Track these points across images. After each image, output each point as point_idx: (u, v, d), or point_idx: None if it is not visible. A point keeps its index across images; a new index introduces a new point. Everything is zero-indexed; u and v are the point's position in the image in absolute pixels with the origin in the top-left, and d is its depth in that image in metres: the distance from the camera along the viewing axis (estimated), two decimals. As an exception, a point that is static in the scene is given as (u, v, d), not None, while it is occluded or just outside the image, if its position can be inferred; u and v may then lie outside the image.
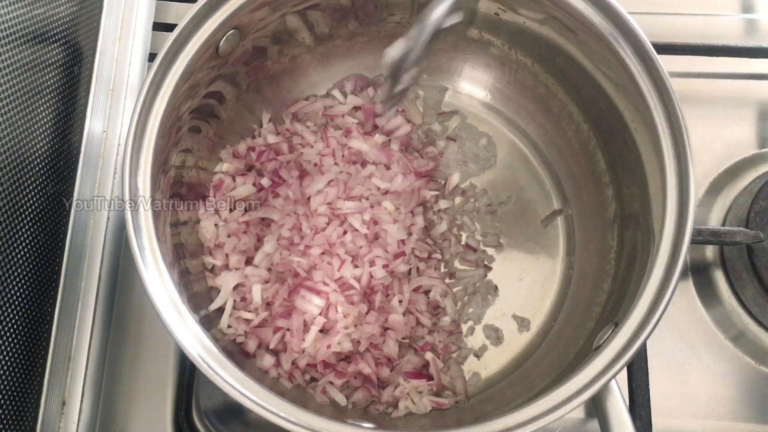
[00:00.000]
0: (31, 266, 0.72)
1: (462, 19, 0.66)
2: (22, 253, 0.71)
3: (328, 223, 0.82)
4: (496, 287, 0.86)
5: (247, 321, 0.78)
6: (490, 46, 0.87)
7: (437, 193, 0.89)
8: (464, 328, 0.84)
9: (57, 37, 0.77)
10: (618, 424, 0.60)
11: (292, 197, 0.83)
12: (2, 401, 0.67)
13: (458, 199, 0.89)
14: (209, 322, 0.76)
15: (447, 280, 0.85)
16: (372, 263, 0.80)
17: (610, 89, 0.74)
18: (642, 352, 0.77)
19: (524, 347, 0.84)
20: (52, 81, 0.76)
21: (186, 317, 0.61)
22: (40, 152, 0.74)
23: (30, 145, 0.72)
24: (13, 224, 0.69)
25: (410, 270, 0.84)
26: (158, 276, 0.61)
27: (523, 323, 0.84)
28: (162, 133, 0.66)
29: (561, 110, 0.87)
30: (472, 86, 0.93)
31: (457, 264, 0.87)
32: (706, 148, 0.91)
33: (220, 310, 0.78)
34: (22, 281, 0.71)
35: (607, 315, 0.71)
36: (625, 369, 0.74)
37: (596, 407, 0.61)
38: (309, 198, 0.83)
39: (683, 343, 0.84)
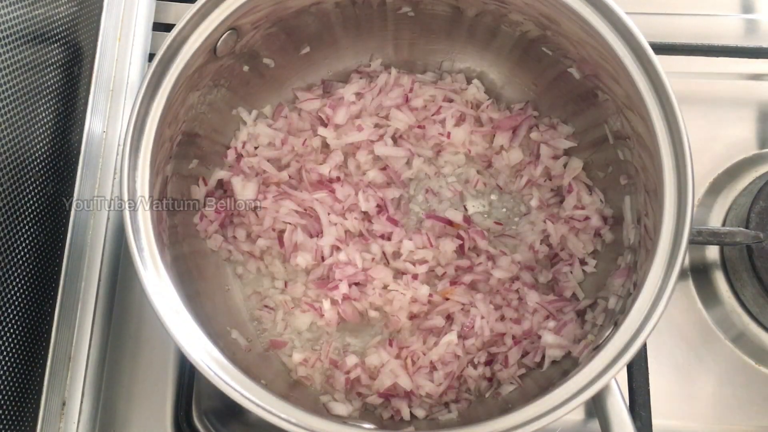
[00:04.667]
0: (31, 266, 0.72)
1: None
2: (22, 253, 0.71)
3: None
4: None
5: None
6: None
7: None
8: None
9: (57, 37, 0.77)
10: (618, 423, 0.60)
11: None
12: (2, 401, 0.67)
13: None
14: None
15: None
16: None
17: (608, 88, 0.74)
18: (642, 353, 0.77)
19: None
20: (52, 81, 0.76)
21: (186, 318, 0.61)
22: (40, 152, 0.74)
23: (30, 145, 0.72)
24: (13, 224, 0.69)
25: None
26: (157, 277, 0.61)
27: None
28: (160, 133, 0.65)
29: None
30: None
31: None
32: (706, 148, 0.91)
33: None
34: (22, 281, 0.71)
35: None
36: (625, 369, 0.74)
37: (596, 407, 0.61)
38: None
39: (683, 343, 0.84)
